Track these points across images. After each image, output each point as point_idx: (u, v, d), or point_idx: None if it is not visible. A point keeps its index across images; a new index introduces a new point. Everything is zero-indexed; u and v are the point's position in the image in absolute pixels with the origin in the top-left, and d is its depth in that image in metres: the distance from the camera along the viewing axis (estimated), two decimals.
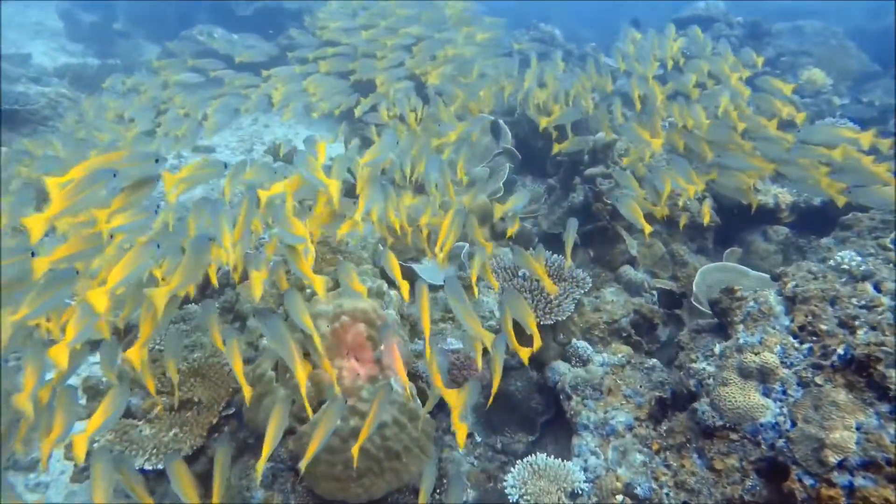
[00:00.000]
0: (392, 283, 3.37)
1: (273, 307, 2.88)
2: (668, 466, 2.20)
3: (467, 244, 3.84)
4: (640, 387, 2.61)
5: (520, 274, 3.14)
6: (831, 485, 1.74)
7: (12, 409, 1.68)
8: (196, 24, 8.28)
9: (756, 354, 2.15)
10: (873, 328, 2.05)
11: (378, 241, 3.80)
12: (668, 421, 2.45)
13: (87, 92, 6.34)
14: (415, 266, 3.64)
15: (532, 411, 2.93)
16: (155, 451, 2.29)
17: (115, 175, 1.71)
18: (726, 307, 2.51)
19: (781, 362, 2.12)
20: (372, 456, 2.11)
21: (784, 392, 2.05)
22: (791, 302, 2.37)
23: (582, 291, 3.07)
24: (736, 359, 2.21)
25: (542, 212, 4.94)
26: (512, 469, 2.35)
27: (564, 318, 2.90)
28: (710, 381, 2.25)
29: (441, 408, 2.79)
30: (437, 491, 2.48)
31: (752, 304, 2.42)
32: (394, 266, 2.14)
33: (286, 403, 1.80)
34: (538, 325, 2.90)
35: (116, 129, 4.59)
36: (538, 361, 3.05)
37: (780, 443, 1.95)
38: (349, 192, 2.79)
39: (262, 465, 1.69)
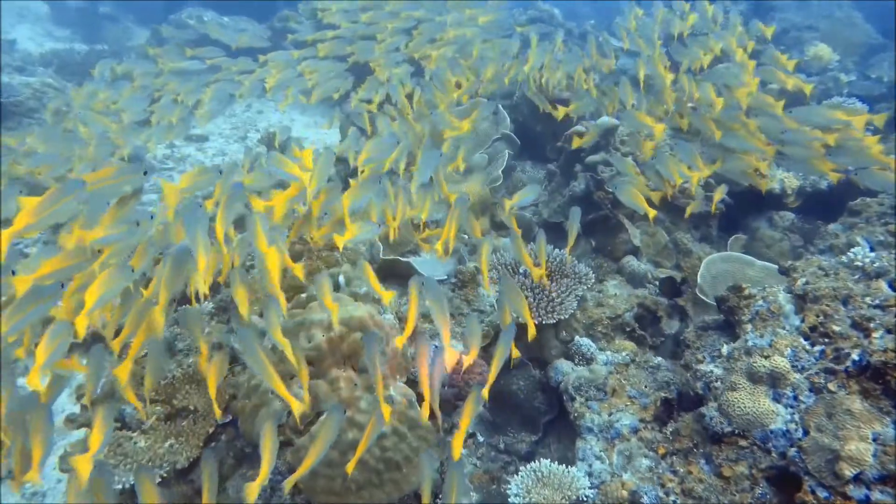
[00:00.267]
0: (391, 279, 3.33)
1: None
2: (674, 472, 2.15)
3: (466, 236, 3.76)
4: (646, 387, 2.55)
5: (521, 271, 3.06)
6: (846, 498, 1.69)
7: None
8: (185, 8, 8.06)
9: (766, 358, 2.09)
10: (889, 331, 1.98)
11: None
12: (673, 422, 2.40)
13: (74, 81, 6.18)
14: (412, 260, 3.55)
15: (535, 411, 2.88)
16: (150, 464, 2.23)
17: (82, 185, 1.63)
18: (734, 305, 2.44)
19: (792, 366, 2.06)
20: (371, 468, 2.06)
21: (795, 398, 1.99)
22: (801, 300, 2.30)
23: (585, 287, 2.99)
24: (745, 362, 2.14)
25: (543, 198, 4.84)
26: (515, 476, 2.31)
27: (567, 316, 2.83)
28: (718, 384, 2.19)
29: (442, 405, 2.74)
30: (439, 496, 2.45)
31: (760, 302, 2.35)
32: (370, 278, 2.06)
33: (275, 422, 1.74)
34: (540, 325, 2.85)
35: (102, 120, 4.46)
36: (541, 360, 2.99)
37: (792, 452, 1.89)
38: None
39: (256, 489, 1.63)
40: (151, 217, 2.06)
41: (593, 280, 3.08)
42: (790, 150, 2.94)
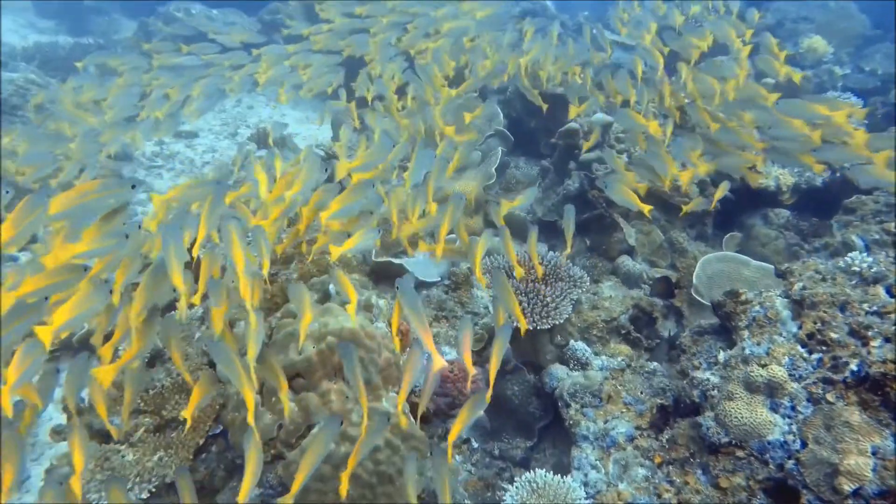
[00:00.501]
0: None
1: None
2: (671, 482, 2.13)
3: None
4: (641, 393, 2.52)
5: (514, 275, 3.02)
6: None
7: None
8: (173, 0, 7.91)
9: (763, 367, 2.06)
10: (887, 340, 1.95)
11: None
12: (669, 429, 2.38)
13: (58, 76, 6.06)
14: (405, 261, 3.50)
15: (530, 416, 2.85)
16: (138, 478, 2.19)
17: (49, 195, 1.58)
18: (730, 311, 2.41)
19: (790, 375, 2.03)
20: (364, 482, 2.02)
21: (793, 408, 1.97)
22: (798, 306, 2.27)
23: (580, 291, 2.96)
24: (742, 370, 2.12)
25: (537, 196, 4.80)
26: (510, 487, 2.28)
27: (562, 321, 2.80)
28: (715, 392, 2.16)
29: (435, 414, 2.71)
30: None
31: (757, 308, 2.32)
32: (343, 283, 2.01)
33: (257, 441, 1.70)
34: (535, 331, 2.81)
35: (83, 116, 4.36)
36: (535, 364, 2.96)
37: (790, 464, 1.87)
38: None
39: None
40: (139, 227, 2.00)
41: (588, 283, 3.04)
42: (777, 143, 2.95)
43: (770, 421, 1.97)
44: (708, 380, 2.21)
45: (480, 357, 3.10)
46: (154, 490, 2.22)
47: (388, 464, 2.08)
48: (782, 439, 1.93)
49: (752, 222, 4.17)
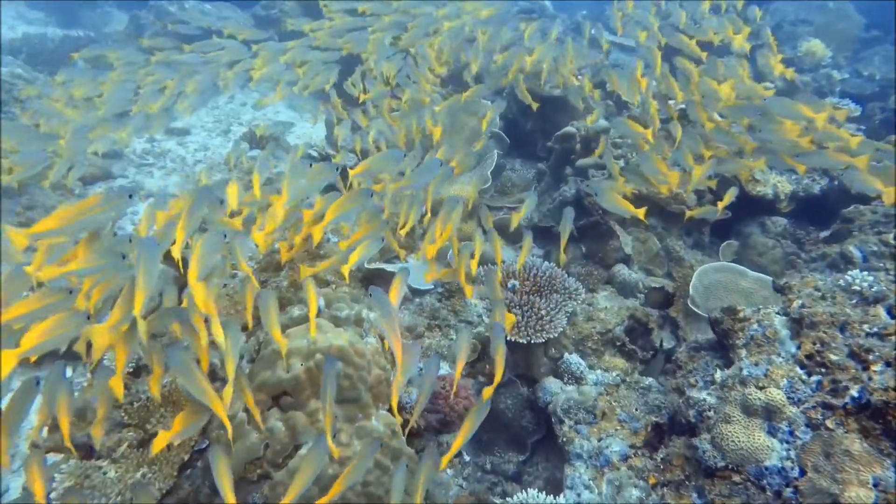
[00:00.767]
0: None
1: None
2: None
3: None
4: (636, 410, 2.48)
5: (508, 286, 2.97)
6: None
7: None
8: None
9: (761, 389, 2.02)
10: (888, 364, 1.91)
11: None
12: (664, 448, 2.34)
13: (47, 70, 5.94)
14: (388, 267, 3.43)
15: (522, 430, 2.81)
16: (120, 497, 2.13)
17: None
18: (728, 328, 2.37)
19: (788, 398, 1.99)
20: None
21: (791, 433, 1.93)
22: (797, 325, 2.23)
23: (575, 303, 2.91)
24: (739, 392, 2.07)
25: (531, 199, 4.74)
26: None
27: (556, 334, 2.75)
28: (711, 413, 2.12)
29: (426, 430, 2.66)
30: None
31: (755, 326, 2.28)
32: (310, 296, 1.96)
33: (228, 459, 1.66)
34: (529, 344, 2.76)
35: (67, 112, 4.28)
36: (529, 377, 2.91)
37: (788, 492, 1.83)
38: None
39: None
40: (130, 240, 1.93)
41: (584, 295, 2.99)
42: (766, 145, 3.01)
43: (768, 446, 1.93)
44: (704, 400, 2.16)
45: (473, 368, 3.05)
46: None
47: (376, 485, 2.03)
48: (780, 465, 1.89)
49: (750, 230, 4.13)
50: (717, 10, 4.96)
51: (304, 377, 2.03)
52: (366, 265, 3.48)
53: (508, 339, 2.74)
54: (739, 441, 1.96)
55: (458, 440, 1.75)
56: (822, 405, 1.93)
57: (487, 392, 1.86)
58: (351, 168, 2.56)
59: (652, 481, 2.20)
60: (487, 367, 2.87)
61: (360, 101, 4.25)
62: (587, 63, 4.61)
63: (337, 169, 2.37)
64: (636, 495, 2.17)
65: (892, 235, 3.59)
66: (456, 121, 4.98)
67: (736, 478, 1.95)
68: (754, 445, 1.94)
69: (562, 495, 2.28)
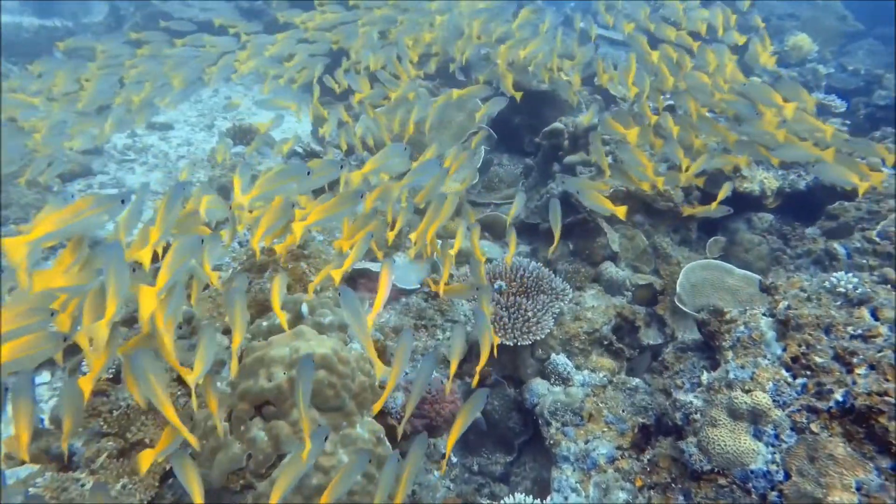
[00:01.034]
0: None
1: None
2: None
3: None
4: (623, 411, 2.48)
5: (495, 287, 2.95)
6: None
7: None
8: None
9: (747, 393, 2.02)
10: (872, 367, 1.92)
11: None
12: (651, 449, 2.34)
13: (20, 63, 5.78)
14: (374, 266, 3.39)
15: (509, 431, 2.80)
16: None
17: None
18: (715, 330, 2.36)
19: (774, 401, 1.99)
20: None
21: (776, 436, 1.93)
22: (783, 326, 2.23)
23: (562, 305, 2.89)
24: (725, 395, 2.07)
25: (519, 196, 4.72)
26: None
27: (543, 336, 2.73)
28: (698, 416, 2.12)
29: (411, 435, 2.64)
30: None
31: (742, 329, 2.28)
32: (274, 297, 1.93)
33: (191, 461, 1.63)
34: (516, 346, 2.75)
35: (34, 102, 4.19)
36: (516, 379, 2.90)
37: (773, 496, 1.83)
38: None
39: None
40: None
41: (571, 295, 2.98)
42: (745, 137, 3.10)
43: (753, 449, 1.93)
44: (691, 403, 2.16)
45: (460, 369, 3.03)
46: None
47: (362, 493, 2.01)
48: (765, 468, 1.89)
49: (736, 227, 4.13)
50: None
51: (286, 386, 2.00)
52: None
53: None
54: (725, 445, 1.96)
55: (454, 433, 1.75)
56: (807, 408, 1.93)
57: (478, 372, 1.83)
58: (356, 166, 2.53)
59: (639, 483, 2.20)
60: (475, 368, 2.84)
61: (356, 100, 4.20)
62: (590, 57, 4.57)
63: (341, 167, 2.34)
64: (623, 498, 2.17)
65: (874, 233, 3.61)
66: (443, 116, 4.93)
67: (722, 481, 1.96)
68: (740, 449, 1.94)
69: (549, 498, 2.28)
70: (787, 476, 1.84)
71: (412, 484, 1.76)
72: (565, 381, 2.69)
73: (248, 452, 2.00)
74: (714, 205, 3.33)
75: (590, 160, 4.12)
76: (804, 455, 1.84)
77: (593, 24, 5.54)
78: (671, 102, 4.33)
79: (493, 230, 4.25)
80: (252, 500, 1.99)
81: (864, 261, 3.51)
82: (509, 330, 2.72)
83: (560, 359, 2.76)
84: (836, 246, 3.66)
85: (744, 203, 4.20)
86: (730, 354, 2.23)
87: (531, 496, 2.35)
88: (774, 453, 1.90)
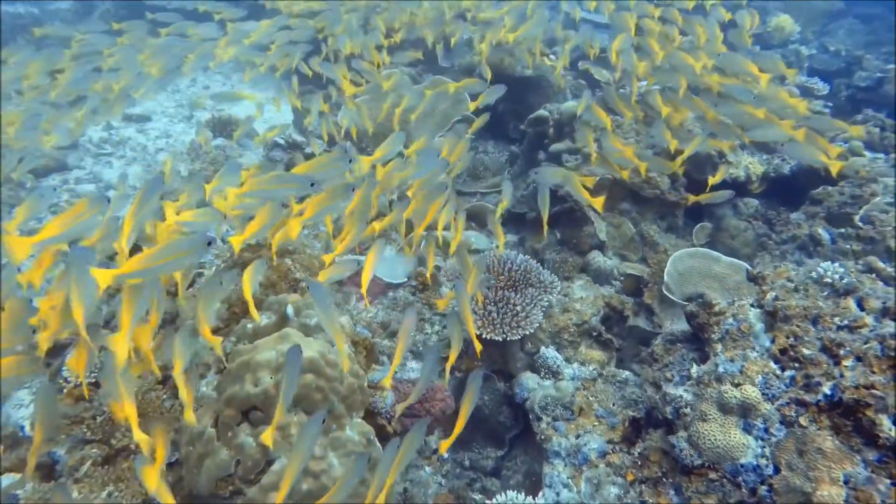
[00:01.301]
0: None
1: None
2: (643, 503, 2.10)
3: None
4: (613, 405, 2.48)
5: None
6: None
7: None
8: None
9: (737, 387, 2.02)
10: (859, 359, 1.93)
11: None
12: (642, 441, 2.35)
13: None
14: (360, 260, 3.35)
15: (500, 426, 2.80)
16: None
17: None
18: (704, 322, 2.37)
19: (763, 394, 2.00)
20: None
21: (766, 430, 1.94)
22: (771, 317, 2.24)
23: (551, 298, 2.88)
24: (715, 389, 2.07)
25: (504, 184, 4.68)
26: None
27: (532, 330, 2.72)
28: (688, 410, 2.12)
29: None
30: None
31: (731, 321, 2.28)
32: (245, 285, 1.91)
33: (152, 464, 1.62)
34: (505, 341, 2.73)
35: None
36: (506, 373, 2.89)
37: (763, 490, 1.85)
38: None
39: None
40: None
41: (559, 287, 2.97)
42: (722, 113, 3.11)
43: (743, 443, 1.94)
44: (681, 397, 2.17)
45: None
46: None
47: (354, 496, 1.99)
48: (755, 462, 1.90)
49: (723, 212, 4.14)
50: None
51: (273, 392, 1.96)
52: (336, 259, 3.40)
53: (483, 336, 2.71)
54: (716, 439, 1.97)
55: (459, 425, 1.77)
56: (796, 402, 1.94)
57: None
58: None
59: (630, 478, 2.21)
60: (464, 363, 2.83)
61: (348, 93, 4.12)
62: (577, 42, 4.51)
63: (350, 160, 2.30)
64: (614, 493, 2.18)
65: (857, 217, 3.64)
66: (430, 105, 4.86)
67: (712, 475, 1.97)
68: (730, 443, 1.95)
69: (540, 494, 2.28)
70: (777, 470, 1.86)
71: (407, 461, 1.75)
72: (555, 374, 2.68)
73: (237, 458, 1.96)
74: (709, 190, 3.34)
75: (576, 147, 4.09)
76: (793, 449, 1.85)
77: (577, 8, 5.47)
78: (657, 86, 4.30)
79: (479, 220, 4.22)
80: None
81: (848, 246, 3.55)
82: (498, 325, 2.70)
83: (549, 352, 2.76)
84: (821, 231, 3.68)
85: (729, 188, 4.20)
86: (719, 347, 2.24)
87: (523, 490, 2.35)
88: (764, 447, 1.91)
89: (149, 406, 2.48)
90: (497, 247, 3.21)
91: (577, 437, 2.38)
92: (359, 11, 4.69)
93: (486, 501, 2.26)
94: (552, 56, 5.39)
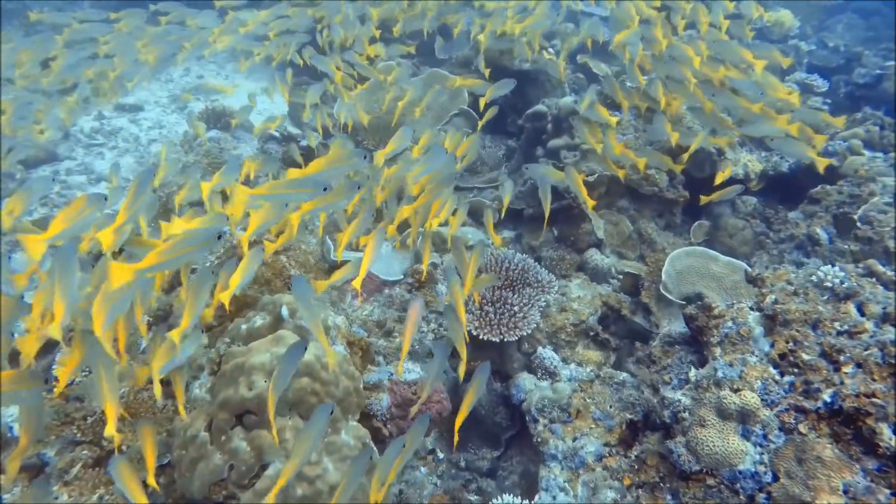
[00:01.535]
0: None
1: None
2: None
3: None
4: (611, 407, 2.46)
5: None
6: None
7: None
8: None
9: (736, 392, 2.01)
10: (859, 365, 1.91)
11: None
12: (639, 444, 2.34)
13: None
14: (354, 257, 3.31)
15: (496, 426, 2.78)
16: None
17: None
18: (702, 325, 2.35)
19: (762, 400, 1.98)
20: None
21: (765, 437, 1.93)
22: (771, 321, 2.22)
23: (549, 298, 2.86)
24: (714, 394, 2.06)
25: (503, 179, 4.65)
26: None
27: (530, 331, 2.70)
28: (686, 415, 2.11)
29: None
30: None
31: (730, 324, 2.26)
32: (236, 274, 1.89)
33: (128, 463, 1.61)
34: (502, 342, 2.71)
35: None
36: (502, 373, 2.87)
37: (761, 498, 1.83)
38: None
39: None
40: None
41: (557, 287, 2.94)
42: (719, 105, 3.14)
43: (742, 450, 1.93)
44: (679, 401, 2.15)
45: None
46: None
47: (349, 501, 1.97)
48: (753, 469, 1.89)
49: (721, 210, 4.12)
50: None
51: (268, 395, 1.93)
52: (332, 256, 3.36)
53: (480, 337, 2.68)
54: (714, 445, 1.96)
55: (462, 413, 1.77)
56: (795, 408, 1.93)
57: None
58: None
59: (627, 482, 2.19)
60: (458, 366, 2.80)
61: (345, 85, 4.08)
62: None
63: (365, 156, 2.27)
64: (611, 497, 2.16)
65: (856, 216, 3.62)
66: (429, 98, 4.80)
67: (710, 481, 1.96)
68: (728, 450, 1.93)
69: (537, 497, 2.27)
70: (776, 477, 1.85)
71: (411, 454, 1.76)
72: (552, 375, 2.66)
73: (230, 463, 1.94)
74: (718, 181, 3.32)
75: (574, 144, 4.05)
76: (792, 456, 1.84)
77: (579, 1, 5.42)
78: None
79: (475, 216, 4.18)
80: None
81: (846, 246, 3.53)
82: (495, 326, 2.68)
83: (547, 352, 2.74)
84: (819, 230, 3.67)
85: (728, 186, 4.18)
86: (718, 351, 2.22)
87: (518, 492, 2.34)
88: (762, 454, 1.90)
89: (141, 406, 2.45)
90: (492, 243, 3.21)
91: (574, 439, 2.36)
92: (357, 1, 4.62)
93: None
94: (550, 49, 5.34)
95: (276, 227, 2.41)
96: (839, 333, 2.07)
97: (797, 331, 2.12)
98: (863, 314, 2.13)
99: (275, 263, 3.02)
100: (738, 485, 1.90)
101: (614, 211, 3.90)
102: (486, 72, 4.23)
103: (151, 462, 1.75)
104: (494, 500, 2.24)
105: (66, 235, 1.75)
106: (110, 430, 1.56)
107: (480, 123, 3.92)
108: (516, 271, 2.91)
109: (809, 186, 4.03)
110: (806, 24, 7.06)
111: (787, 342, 2.10)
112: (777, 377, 2.04)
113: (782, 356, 2.09)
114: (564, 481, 2.25)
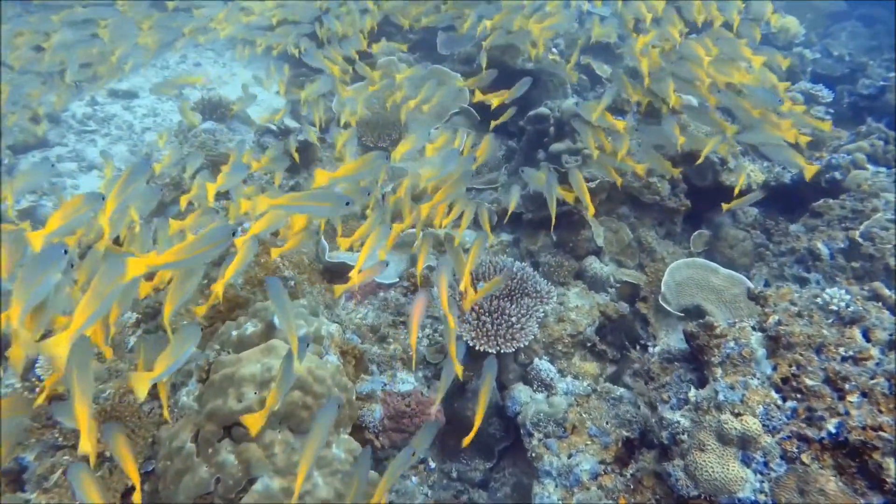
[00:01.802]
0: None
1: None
2: None
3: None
4: (607, 423, 2.42)
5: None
6: None
7: None
8: None
9: (737, 417, 1.96)
10: (864, 394, 1.87)
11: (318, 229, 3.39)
12: (635, 462, 2.30)
13: None
14: (351, 260, 3.25)
15: (490, 437, 2.73)
16: None
17: None
18: (703, 344, 2.30)
19: (764, 426, 1.94)
20: None
21: (765, 464, 1.89)
22: (774, 343, 2.18)
23: (547, 308, 2.80)
24: (715, 417, 2.02)
25: (503, 181, 4.58)
26: None
27: (527, 343, 2.65)
28: (685, 437, 2.07)
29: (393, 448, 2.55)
30: None
31: (732, 344, 2.21)
32: (229, 269, 1.83)
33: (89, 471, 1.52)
34: (499, 354, 2.66)
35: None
36: (497, 383, 2.82)
37: None
38: None
39: None
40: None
41: (555, 298, 2.89)
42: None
43: (742, 477, 1.89)
44: (678, 422, 2.11)
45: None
46: None
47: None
48: (753, 497, 1.85)
49: (721, 220, 4.08)
50: None
51: (257, 408, 1.87)
52: (327, 257, 3.29)
53: (477, 347, 2.63)
54: (713, 471, 1.91)
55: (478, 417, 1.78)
56: (798, 436, 1.89)
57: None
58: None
59: (622, 503, 2.15)
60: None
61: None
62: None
63: (387, 158, 2.23)
64: None
65: (857, 233, 3.59)
66: (429, 96, 4.72)
67: None
68: (728, 476, 1.89)
69: None
70: None
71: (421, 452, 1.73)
72: (548, 387, 2.62)
73: (217, 476, 1.88)
74: (736, 189, 3.30)
75: (576, 148, 3.99)
76: (794, 486, 1.80)
77: (585, 2, 5.35)
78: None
79: (473, 218, 4.12)
80: None
81: (847, 262, 3.50)
82: (492, 336, 2.62)
83: (543, 364, 2.69)
84: (820, 245, 3.63)
85: (729, 196, 4.14)
86: (718, 371, 2.17)
87: None
88: (763, 482, 1.86)
89: (125, 410, 2.38)
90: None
91: (570, 456, 2.32)
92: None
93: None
94: (554, 49, 5.26)
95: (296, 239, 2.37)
96: (844, 359, 2.03)
97: (801, 354, 2.08)
98: (868, 340, 2.09)
99: (268, 264, 2.95)
100: None
101: (614, 218, 3.84)
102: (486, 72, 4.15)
103: (135, 476, 1.67)
104: None
105: (62, 233, 1.74)
106: (84, 445, 1.45)
107: (494, 124, 3.85)
108: (515, 280, 2.85)
109: (811, 198, 4.00)
110: (811, 31, 7.00)
111: (791, 366, 2.06)
112: (779, 402, 2.00)
113: (785, 380, 2.05)
114: (559, 499, 2.21)
